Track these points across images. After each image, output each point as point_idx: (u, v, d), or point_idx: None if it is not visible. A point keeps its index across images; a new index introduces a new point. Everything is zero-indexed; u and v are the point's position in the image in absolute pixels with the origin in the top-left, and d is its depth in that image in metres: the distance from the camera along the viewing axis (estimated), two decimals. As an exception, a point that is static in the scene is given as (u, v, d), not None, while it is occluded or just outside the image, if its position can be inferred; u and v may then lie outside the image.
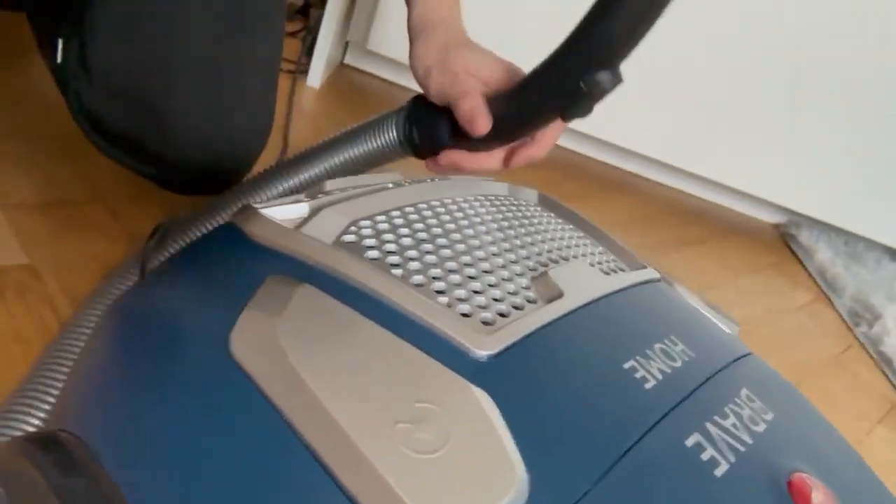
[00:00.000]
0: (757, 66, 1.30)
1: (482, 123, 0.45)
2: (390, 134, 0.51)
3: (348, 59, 1.37)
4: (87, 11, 0.61)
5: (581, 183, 1.31)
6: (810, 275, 1.37)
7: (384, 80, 1.36)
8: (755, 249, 1.40)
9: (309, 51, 1.18)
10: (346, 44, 1.34)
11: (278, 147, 0.87)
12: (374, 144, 0.51)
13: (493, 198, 0.50)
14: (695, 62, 1.29)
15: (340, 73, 1.34)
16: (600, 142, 1.40)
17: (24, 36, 0.69)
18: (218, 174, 0.68)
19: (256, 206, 0.39)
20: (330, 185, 0.45)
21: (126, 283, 0.50)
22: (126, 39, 0.61)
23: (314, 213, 0.40)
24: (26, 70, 0.84)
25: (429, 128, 0.49)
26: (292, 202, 0.41)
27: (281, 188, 0.53)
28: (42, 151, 0.73)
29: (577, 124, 1.34)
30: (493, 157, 0.50)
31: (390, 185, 0.47)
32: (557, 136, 0.50)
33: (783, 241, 1.50)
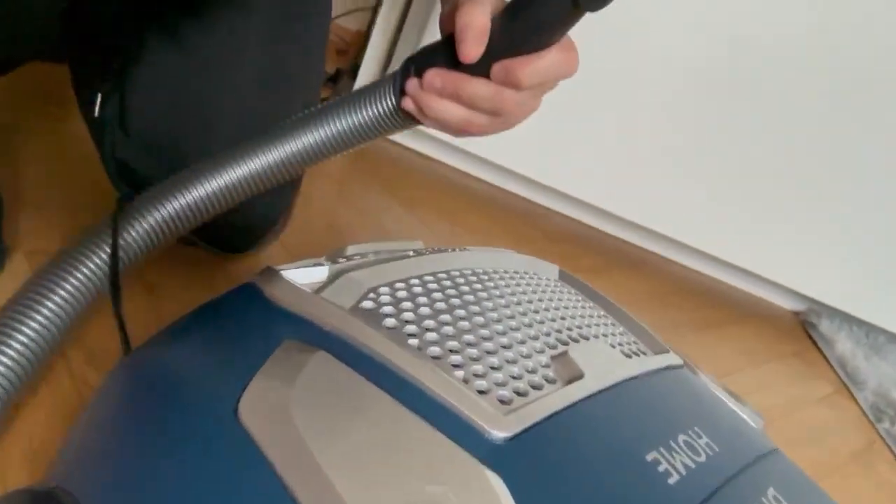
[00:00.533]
0: (779, 149, 1.31)
1: (472, 42, 0.38)
2: (388, 97, 0.44)
3: (375, 126, 1.39)
4: (129, 69, 0.62)
5: (598, 259, 1.30)
6: (831, 365, 1.33)
7: (409, 149, 1.38)
8: (774, 336, 1.37)
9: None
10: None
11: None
12: (371, 112, 0.44)
13: (514, 271, 0.49)
14: (716, 144, 1.30)
15: (366, 138, 1.36)
16: (620, 219, 1.40)
17: (64, 87, 0.71)
18: (244, 232, 0.68)
19: (277, 268, 0.39)
20: (351, 249, 0.45)
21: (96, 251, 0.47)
22: (167, 99, 0.62)
23: (334, 277, 0.39)
24: (64, 121, 0.86)
25: (421, 62, 0.43)
26: (313, 265, 0.40)
27: (266, 160, 0.47)
28: (74, 202, 0.74)
29: (597, 199, 1.35)
30: (483, 83, 0.41)
31: (411, 253, 0.46)
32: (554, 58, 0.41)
33: (803, 328, 1.47)
